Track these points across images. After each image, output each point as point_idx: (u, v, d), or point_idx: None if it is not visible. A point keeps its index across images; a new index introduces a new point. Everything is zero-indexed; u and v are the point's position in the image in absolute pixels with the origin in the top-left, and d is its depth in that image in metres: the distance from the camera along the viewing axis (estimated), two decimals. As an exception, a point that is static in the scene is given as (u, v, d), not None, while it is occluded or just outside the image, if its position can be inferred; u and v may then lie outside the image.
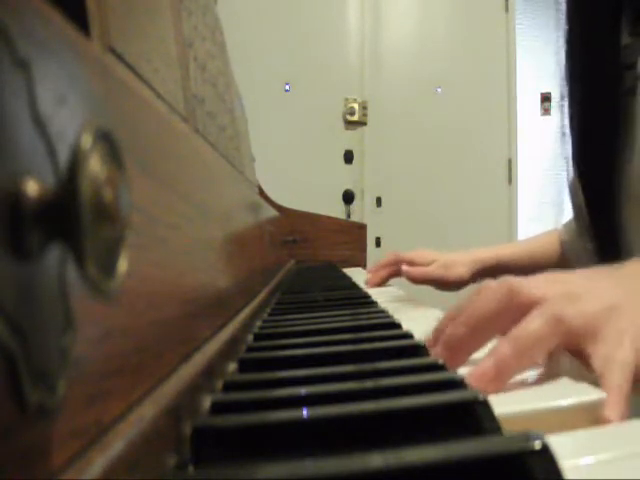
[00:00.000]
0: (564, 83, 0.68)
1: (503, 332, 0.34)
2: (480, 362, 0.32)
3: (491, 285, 0.36)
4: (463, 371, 0.32)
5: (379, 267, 0.94)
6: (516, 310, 0.34)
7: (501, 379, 0.31)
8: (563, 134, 0.69)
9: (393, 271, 0.91)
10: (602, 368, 0.30)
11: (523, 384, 0.33)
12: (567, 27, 0.67)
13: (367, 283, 0.93)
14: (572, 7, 0.66)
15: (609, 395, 0.29)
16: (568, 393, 0.30)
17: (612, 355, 0.30)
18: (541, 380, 0.33)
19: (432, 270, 0.83)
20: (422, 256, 0.86)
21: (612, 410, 0.28)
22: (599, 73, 0.64)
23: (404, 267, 0.85)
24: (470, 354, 0.36)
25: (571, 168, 0.69)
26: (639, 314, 0.32)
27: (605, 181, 0.63)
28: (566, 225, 0.83)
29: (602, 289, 0.34)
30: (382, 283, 0.93)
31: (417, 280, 0.84)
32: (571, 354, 0.33)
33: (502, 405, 0.26)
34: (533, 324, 0.32)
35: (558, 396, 0.29)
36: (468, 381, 0.29)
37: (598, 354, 0.31)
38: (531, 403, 0.29)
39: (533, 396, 0.31)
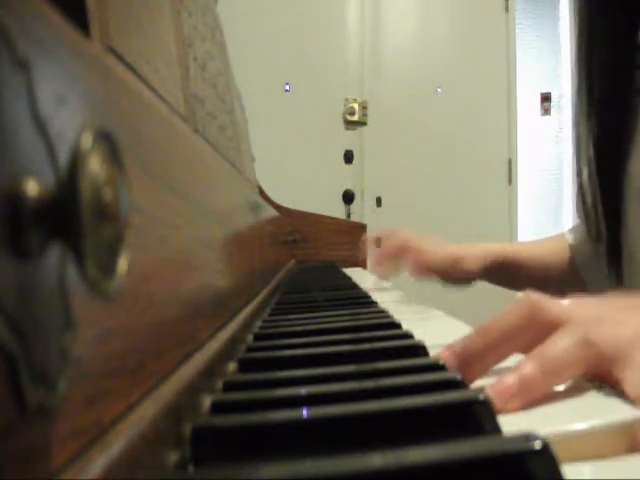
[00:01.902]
0: (579, 80, 0.68)
1: (522, 350, 0.32)
2: (502, 375, 0.30)
3: (514, 303, 0.34)
4: (480, 383, 0.31)
5: (384, 257, 0.88)
6: (538, 327, 0.32)
7: (524, 397, 0.29)
8: (577, 138, 0.69)
9: (399, 260, 0.84)
10: (636, 394, 0.28)
11: (544, 398, 0.30)
12: (582, 26, 0.67)
13: (374, 268, 0.88)
14: (588, 6, 0.66)
15: None
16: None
17: None
18: (562, 394, 0.30)
19: (440, 260, 0.78)
20: (432, 243, 0.81)
21: None
22: (616, 71, 0.64)
23: (411, 257, 0.79)
24: (484, 371, 0.33)
25: (581, 169, 0.68)
26: None
27: (616, 179, 0.63)
28: (572, 230, 0.82)
29: (631, 316, 0.32)
30: (390, 274, 0.87)
31: (423, 269, 0.79)
32: (594, 378, 0.31)
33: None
34: (562, 344, 0.30)
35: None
36: (488, 393, 0.26)
37: (632, 380, 0.29)
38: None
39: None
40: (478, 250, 0.81)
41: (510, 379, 0.29)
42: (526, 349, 0.32)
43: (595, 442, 0.24)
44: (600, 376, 0.31)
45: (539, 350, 0.30)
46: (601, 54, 0.65)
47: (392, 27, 2.77)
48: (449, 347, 0.34)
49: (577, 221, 0.79)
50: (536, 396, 0.29)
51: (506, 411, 0.28)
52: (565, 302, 0.33)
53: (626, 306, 0.34)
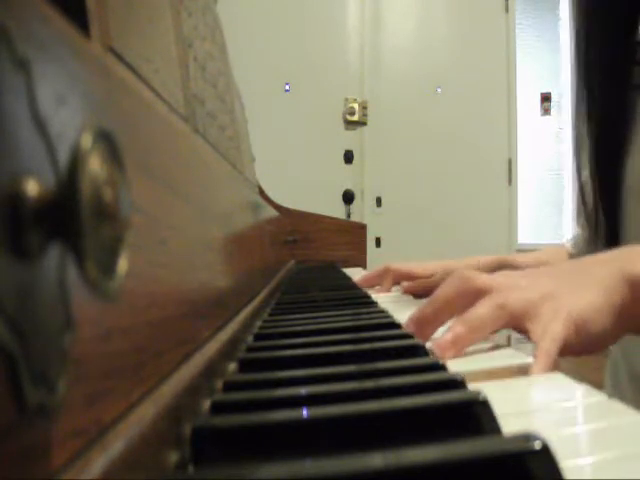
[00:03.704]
0: (578, 79, 0.68)
1: (460, 312, 0.41)
2: (442, 335, 0.40)
3: (452, 276, 0.45)
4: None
5: (376, 277, 0.92)
6: (469, 295, 0.42)
7: (456, 349, 0.39)
8: (576, 136, 0.69)
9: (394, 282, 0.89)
10: (538, 338, 0.37)
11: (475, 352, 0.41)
12: (579, 24, 0.67)
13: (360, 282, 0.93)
14: (584, 4, 0.66)
15: (538, 356, 0.36)
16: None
17: (546, 328, 0.37)
18: (490, 349, 0.42)
19: (434, 280, 0.81)
20: (423, 268, 0.85)
21: (537, 365, 0.36)
22: (614, 68, 0.64)
23: (404, 284, 0.84)
24: (435, 329, 0.44)
25: (581, 168, 0.68)
26: (571, 300, 0.39)
27: (616, 178, 0.64)
28: (572, 239, 0.82)
29: (541, 281, 0.41)
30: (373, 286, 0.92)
31: (419, 292, 0.82)
32: (517, 331, 0.40)
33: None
34: (481, 309, 0.40)
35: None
36: (431, 348, 0.38)
37: (536, 328, 0.38)
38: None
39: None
40: (471, 264, 0.82)
41: (447, 336, 0.40)
42: (462, 311, 0.41)
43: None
44: (516, 329, 0.40)
45: (466, 314, 0.40)
46: (600, 51, 0.65)
47: (392, 27, 2.77)
48: (409, 318, 0.46)
49: (576, 228, 0.79)
50: (465, 347, 0.40)
51: (444, 358, 0.38)
52: (489, 275, 0.43)
53: (537, 273, 0.43)
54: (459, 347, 0.39)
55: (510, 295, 0.40)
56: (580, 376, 0.34)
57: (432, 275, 0.84)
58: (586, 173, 0.68)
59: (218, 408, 0.27)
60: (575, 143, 0.70)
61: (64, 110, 0.15)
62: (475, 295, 0.41)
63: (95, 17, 0.23)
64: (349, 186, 2.71)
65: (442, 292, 0.44)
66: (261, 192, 1.36)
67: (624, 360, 0.68)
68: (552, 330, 0.37)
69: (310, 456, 0.20)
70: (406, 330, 0.43)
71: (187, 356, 0.28)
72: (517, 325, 0.40)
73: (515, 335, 0.42)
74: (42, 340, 0.13)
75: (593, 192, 0.67)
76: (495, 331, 0.41)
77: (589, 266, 0.42)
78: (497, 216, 2.82)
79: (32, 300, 0.13)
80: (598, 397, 0.30)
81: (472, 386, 0.28)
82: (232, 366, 0.36)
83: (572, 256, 0.80)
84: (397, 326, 0.46)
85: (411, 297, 0.80)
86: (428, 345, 0.39)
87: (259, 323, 0.52)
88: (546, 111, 3.20)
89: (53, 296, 0.14)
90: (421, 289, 0.82)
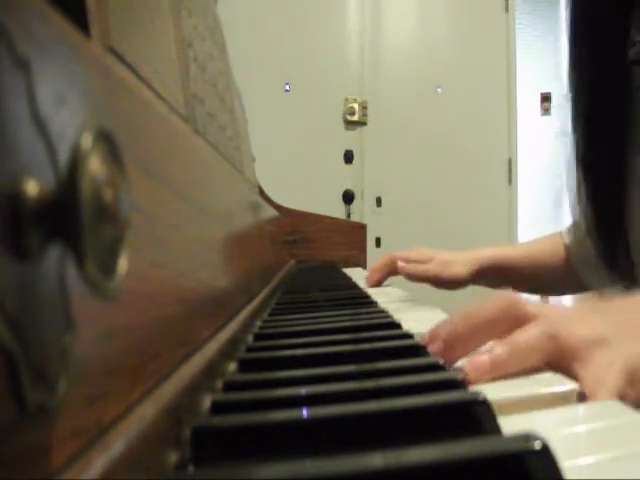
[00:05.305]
0: (571, 78, 0.68)
1: (498, 338, 0.36)
2: (477, 354, 0.35)
3: (496, 297, 0.39)
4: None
5: (376, 269, 0.93)
6: (514, 321, 0.36)
7: (493, 373, 0.34)
8: (572, 132, 0.69)
9: (390, 270, 0.90)
10: (593, 389, 0.32)
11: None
12: (574, 23, 0.67)
13: (367, 282, 0.93)
14: (579, 4, 0.66)
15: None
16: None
17: (602, 378, 0.32)
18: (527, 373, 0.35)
19: (429, 267, 0.82)
20: (420, 254, 0.85)
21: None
22: (607, 70, 0.65)
23: (400, 263, 0.84)
24: (466, 352, 0.37)
25: (575, 167, 0.69)
26: (627, 347, 0.34)
27: (614, 176, 0.64)
28: (570, 229, 0.82)
29: (595, 320, 0.36)
30: (381, 282, 0.93)
31: (413, 277, 0.83)
32: (558, 371, 0.35)
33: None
34: (530, 333, 0.35)
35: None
36: (465, 367, 0.33)
37: (588, 376, 0.33)
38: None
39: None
40: (467, 256, 0.84)
41: (484, 357, 0.34)
42: (501, 338, 0.36)
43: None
44: (562, 369, 0.35)
45: (510, 337, 0.35)
46: (592, 54, 0.66)
47: (392, 27, 2.77)
48: (433, 331, 0.39)
49: (574, 220, 0.79)
50: (503, 373, 0.34)
51: (478, 382, 0.33)
52: (537, 304, 0.38)
53: (588, 309, 0.39)
54: (497, 372, 0.34)
55: (563, 327, 0.35)
56: (543, 366, 0.34)
57: (429, 260, 0.83)
58: (580, 173, 0.69)
59: (218, 408, 0.27)
60: (571, 145, 0.71)
61: (64, 110, 0.15)
62: (522, 321, 0.36)
63: (95, 17, 0.23)
64: (349, 186, 2.71)
65: (484, 310, 0.38)
66: (261, 192, 1.36)
67: None
68: (607, 383, 0.32)
69: (310, 456, 0.20)
70: (406, 331, 0.43)
71: (187, 356, 0.28)
72: (563, 363, 0.35)
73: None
74: (42, 340, 0.13)
75: (587, 194, 0.68)
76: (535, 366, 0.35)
77: None
78: (497, 216, 2.82)
79: (32, 300, 0.13)
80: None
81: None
82: (232, 366, 0.36)
83: (567, 247, 0.81)
84: (397, 326, 0.46)
85: (414, 298, 0.80)
86: (459, 364, 0.35)
87: (259, 323, 0.52)
88: (546, 111, 3.20)
89: (53, 296, 0.14)
90: (416, 275, 0.83)
